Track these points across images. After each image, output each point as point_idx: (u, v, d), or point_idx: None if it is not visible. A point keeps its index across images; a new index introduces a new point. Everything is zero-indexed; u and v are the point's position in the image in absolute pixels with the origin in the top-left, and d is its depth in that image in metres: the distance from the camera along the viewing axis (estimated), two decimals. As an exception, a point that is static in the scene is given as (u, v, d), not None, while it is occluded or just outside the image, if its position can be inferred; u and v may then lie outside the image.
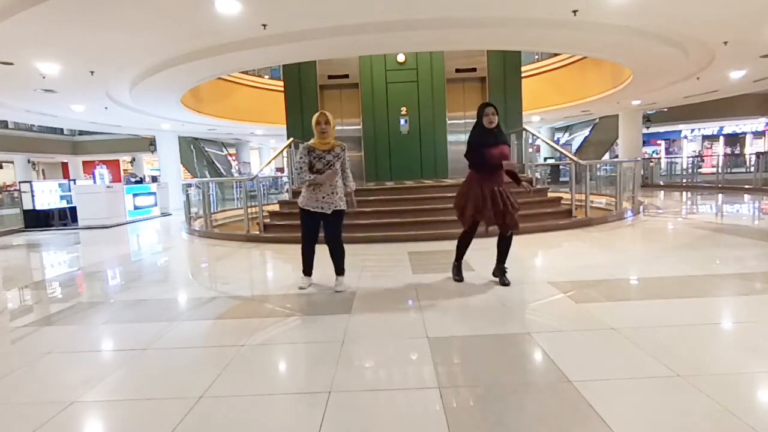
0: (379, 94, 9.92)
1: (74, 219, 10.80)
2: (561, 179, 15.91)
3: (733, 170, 17.94)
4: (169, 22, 5.84)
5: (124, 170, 25.51)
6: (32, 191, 10.58)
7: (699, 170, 17.81)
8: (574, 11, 5.91)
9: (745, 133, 24.76)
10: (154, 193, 12.77)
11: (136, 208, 11.77)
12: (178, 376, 2.39)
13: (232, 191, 12.39)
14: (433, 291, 3.78)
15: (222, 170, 23.36)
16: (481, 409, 1.92)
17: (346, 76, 9.93)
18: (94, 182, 12.25)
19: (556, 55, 13.40)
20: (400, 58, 9.79)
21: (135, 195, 11.82)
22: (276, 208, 8.05)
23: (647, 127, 19.59)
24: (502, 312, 3.19)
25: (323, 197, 3.74)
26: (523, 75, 10.42)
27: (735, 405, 1.82)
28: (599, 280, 3.99)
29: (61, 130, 22.67)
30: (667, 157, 23.48)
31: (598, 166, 12.30)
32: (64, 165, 26.00)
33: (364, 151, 10.06)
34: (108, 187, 11.22)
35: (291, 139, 8.84)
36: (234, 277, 4.99)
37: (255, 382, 2.28)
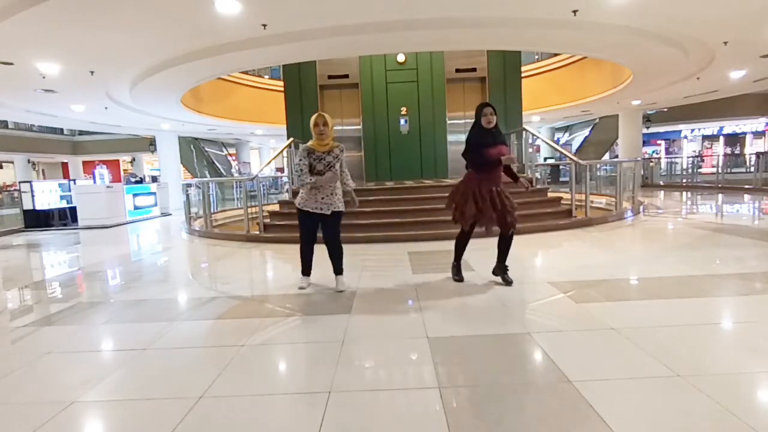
0: (379, 94, 9.92)
1: (74, 219, 10.80)
2: (561, 179, 15.90)
3: (733, 170, 17.94)
4: (169, 22, 5.84)
5: (124, 170, 25.51)
6: (32, 191, 10.58)
7: (699, 170, 17.81)
8: (574, 11, 5.91)
9: (745, 133, 24.76)
10: (154, 193, 12.78)
11: (136, 208, 11.77)
12: (178, 376, 2.39)
13: (232, 191, 12.39)
14: (433, 291, 3.78)
15: (222, 170, 23.36)
16: (481, 409, 1.92)
17: (346, 76, 9.93)
18: (94, 182, 12.25)
19: (556, 55, 13.40)
20: (400, 58, 9.79)
21: (135, 195, 11.82)
22: (276, 208, 8.06)
23: (647, 127, 19.59)
24: (502, 312, 3.19)
25: (322, 198, 3.74)
26: (523, 75, 10.43)
27: (735, 405, 1.82)
28: (599, 280, 3.99)
29: (61, 130, 22.67)
30: (667, 157, 23.47)
31: (598, 166, 12.29)
32: (64, 165, 26.00)
33: (364, 151, 10.06)
34: (108, 187, 11.22)
35: (291, 139, 8.84)
36: (234, 277, 4.99)
37: (255, 382, 2.28)
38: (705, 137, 25.93)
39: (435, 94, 9.87)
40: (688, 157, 20.08)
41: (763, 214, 8.43)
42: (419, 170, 9.92)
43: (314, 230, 3.88)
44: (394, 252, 5.61)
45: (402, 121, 9.93)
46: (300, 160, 3.72)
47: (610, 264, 4.80)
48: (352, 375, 2.30)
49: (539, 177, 9.13)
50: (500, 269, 3.89)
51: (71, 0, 4.98)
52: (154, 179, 16.21)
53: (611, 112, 17.58)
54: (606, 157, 20.97)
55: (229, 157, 25.05)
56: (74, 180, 13.53)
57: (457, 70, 9.89)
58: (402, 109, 9.90)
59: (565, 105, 14.60)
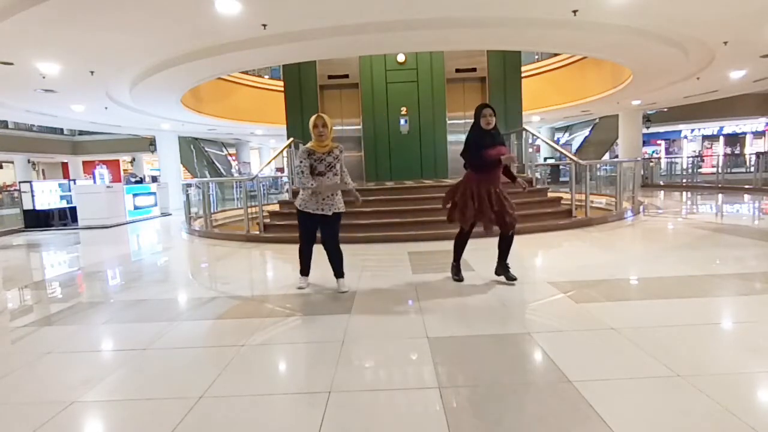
0: (379, 94, 9.91)
1: (74, 219, 10.80)
2: (561, 179, 15.91)
3: (733, 170, 17.94)
4: (169, 22, 5.84)
5: (124, 170, 25.51)
6: (32, 191, 10.58)
7: (699, 170, 17.81)
8: (574, 11, 5.91)
9: (745, 133, 24.76)
10: (154, 193, 12.78)
11: (136, 208, 11.77)
12: (178, 376, 2.39)
13: (232, 191, 12.39)
14: (433, 291, 3.78)
15: (222, 170, 23.36)
16: (481, 409, 1.92)
17: (346, 76, 9.93)
18: (94, 182, 12.25)
19: (556, 55, 13.40)
20: (400, 58, 9.78)
21: (135, 195, 11.82)
22: (276, 208, 8.06)
23: (647, 127, 19.59)
24: (502, 312, 3.19)
25: (323, 199, 3.73)
26: (523, 75, 10.42)
27: (735, 405, 1.82)
28: (599, 280, 3.99)
29: (61, 130, 22.67)
30: (667, 157, 23.47)
31: (598, 166, 12.30)
32: (64, 165, 26.00)
33: (364, 151, 10.06)
34: (108, 187, 11.22)
35: (291, 139, 8.84)
36: (234, 277, 4.99)
37: (255, 382, 2.28)
38: (705, 137, 25.93)
39: (435, 94, 9.87)
40: (688, 157, 20.08)
41: (763, 214, 8.43)
42: (419, 170, 9.92)
43: (314, 231, 3.89)
44: (394, 252, 5.61)
45: (402, 121, 9.92)
46: (301, 161, 3.72)
47: (610, 264, 4.80)
48: (352, 375, 2.30)
49: (539, 177, 9.14)
50: (502, 268, 3.91)
51: (71, 0, 4.98)
52: (154, 179, 16.22)
53: (611, 112, 17.58)
54: (606, 157, 20.97)
55: (229, 157, 25.05)
56: (74, 180, 13.53)
57: (457, 70, 9.88)
58: (402, 109, 9.90)
59: (565, 105, 14.60)
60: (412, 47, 8.35)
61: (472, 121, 3.82)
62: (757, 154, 13.65)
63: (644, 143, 20.11)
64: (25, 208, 10.64)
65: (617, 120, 17.44)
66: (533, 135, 9.15)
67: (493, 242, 3.95)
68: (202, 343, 2.94)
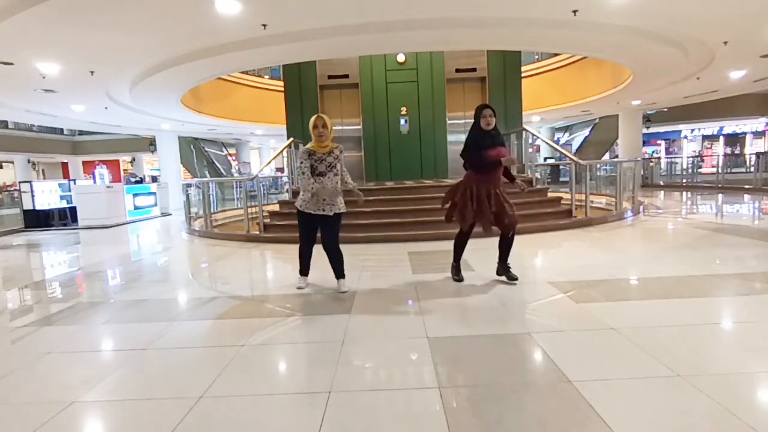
0: (379, 94, 9.91)
1: (74, 219, 10.80)
2: (561, 179, 15.90)
3: (733, 170, 17.94)
4: (169, 22, 5.84)
5: (124, 170, 25.51)
6: (32, 191, 10.58)
7: (699, 170, 17.81)
8: (574, 11, 5.91)
9: (745, 133, 24.76)
10: (154, 193, 12.77)
11: (136, 208, 11.77)
12: (178, 376, 2.39)
13: (232, 191, 12.39)
14: (433, 291, 3.78)
15: (222, 170, 23.36)
16: (481, 409, 1.92)
17: (346, 76, 9.93)
18: (94, 182, 12.25)
19: (556, 55, 13.40)
20: (400, 58, 9.78)
21: (135, 195, 11.83)
22: (276, 208, 8.06)
23: (647, 127, 19.59)
24: (502, 312, 3.19)
25: (323, 200, 3.73)
26: (523, 75, 10.42)
27: (735, 405, 1.82)
28: (599, 280, 3.99)
29: (61, 130, 22.67)
30: (667, 157, 23.47)
31: (598, 166, 12.30)
32: (64, 165, 26.00)
33: (364, 151, 10.06)
34: (108, 187, 11.22)
35: (291, 139, 8.84)
36: (234, 277, 4.99)
37: (255, 382, 2.28)
38: (705, 137, 25.93)
39: (435, 94, 9.87)
40: (688, 157, 20.08)
41: (763, 214, 8.43)
42: (419, 170, 9.92)
43: (314, 231, 3.88)
44: (394, 252, 5.61)
45: (402, 121, 9.92)
46: (301, 162, 3.72)
47: (610, 264, 4.80)
48: (352, 375, 2.30)
49: (539, 177, 9.13)
50: (503, 268, 3.92)
51: (71, 0, 4.98)
52: (154, 179, 16.22)
53: (611, 112, 17.58)
54: (606, 157, 20.97)
55: (229, 157, 25.05)
56: (74, 180, 13.53)
57: (457, 70, 9.88)
58: (402, 109, 9.89)
59: (565, 105, 14.60)
60: (412, 47, 8.35)
61: (472, 121, 3.82)
62: (757, 154, 13.65)
63: (644, 143, 20.12)
64: (25, 208, 10.64)
65: (617, 120, 17.44)
66: (533, 135, 9.15)
67: (493, 242, 3.95)
68: (202, 343, 2.94)
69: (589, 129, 23.19)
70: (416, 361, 2.44)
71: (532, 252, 5.54)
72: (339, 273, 3.89)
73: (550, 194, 8.17)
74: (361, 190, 3.97)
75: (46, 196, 10.81)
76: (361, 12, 5.82)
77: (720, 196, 12.08)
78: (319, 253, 3.97)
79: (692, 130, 25.52)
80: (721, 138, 25.38)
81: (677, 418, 1.78)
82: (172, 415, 1.95)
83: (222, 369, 2.40)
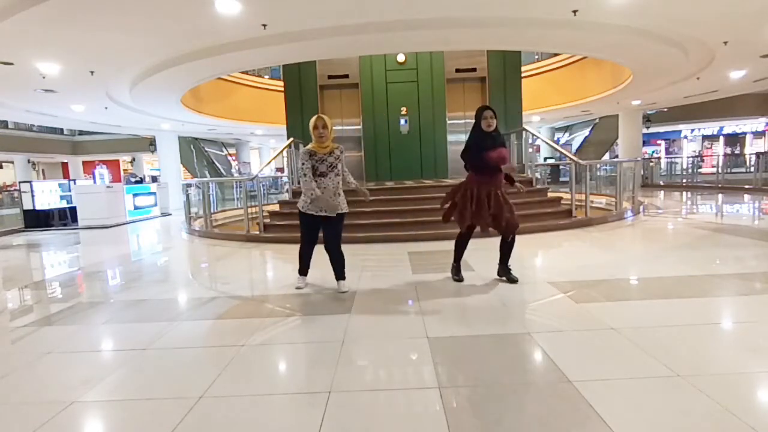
0: (379, 94, 9.91)
1: (74, 219, 10.80)
2: (561, 179, 15.90)
3: (733, 170, 17.94)
4: (170, 22, 5.84)
5: (124, 170, 25.51)
6: (32, 191, 10.58)
7: (699, 170, 17.81)
8: (574, 11, 5.91)
9: (745, 133, 24.76)
10: (154, 193, 12.77)
11: (136, 208, 11.77)
12: (178, 376, 2.39)
13: (232, 191, 12.39)
14: (434, 291, 3.78)
15: (222, 170, 23.36)
16: (481, 409, 1.92)
17: (346, 76, 9.92)
18: (94, 182, 12.25)
19: (556, 55, 13.39)
20: (400, 58, 9.78)
21: (135, 195, 11.82)
22: (276, 208, 8.05)
23: (647, 127, 19.59)
24: (502, 312, 3.19)
25: (326, 200, 3.72)
26: (523, 75, 10.41)
27: (735, 405, 1.82)
28: (599, 280, 3.99)
29: (61, 130, 22.67)
30: (667, 157, 23.47)
31: (598, 166, 12.29)
32: (64, 165, 26.00)
33: (364, 151, 10.06)
34: (108, 187, 11.22)
35: (291, 139, 8.84)
36: (234, 277, 4.99)
37: (255, 382, 2.28)
38: (705, 137, 25.93)
39: (435, 94, 9.86)
40: (688, 157, 20.08)
41: (763, 214, 8.43)
42: (419, 170, 9.92)
43: (316, 232, 3.88)
44: (394, 252, 5.61)
45: (402, 121, 9.92)
46: (303, 163, 3.71)
47: (610, 264, 4.80)
48: (352, 375, 2.30)
49: (539, 177, 9.13)
50: (503, 270, 3.93)
51: (71, 0, 4.98)
52: (154, 179, 16.22)
53: (611, 112, 17.58)
54: (606, 157, 20.97)
55: (229, 157, 25.05)
56: (74, 180, 13.53)
57: (457, 70, 9.88)
58: (402, 109, 9.89)
59: (565, 105, 14.59)
60: (412, 47, 8.34)
61: (472, 121, 3.83)
62: (757, 154, 13.65)
63: (644, 143, 20.11)
64: (25, 208, 10.64)
65: (617, 120, 17.44)
66: (533, 135, 9.14)
67: (494, 242, 3.95)
68: (202, 343, 2.94)
69: (589, 129, 23.18)
70: (416, 361, 2.44)
71: (532, 252, 5.54)
72: (339, 274, 3.89)
73: (550, 194, 8.17)
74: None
75: (46, 196, 10.81)
76: (361, 12, 5.81)
77: (720, 196, 12.08)
78: (319, 253, 3.97)
79: (692, 130, 25.52)
80: (721, 138, 25.38)
81: (677, 418, 1.78)
82: (172, 415, 1.95)
83: (222, 369, 2.40)
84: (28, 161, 23.57)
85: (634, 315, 2.99)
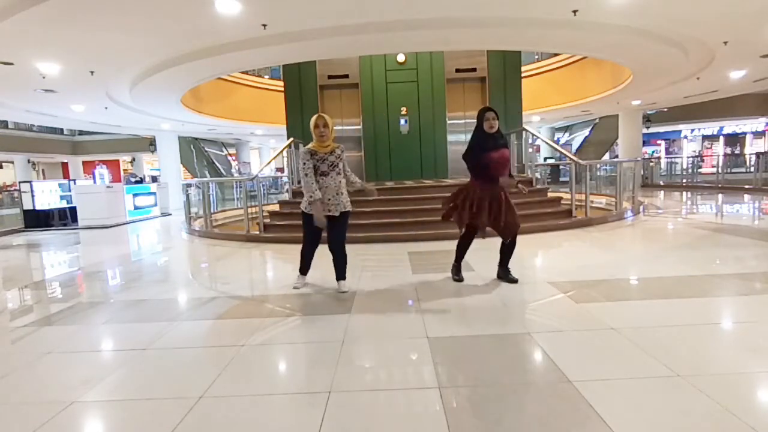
0: (379, 94, 9.91)
1: (74, 219, 10.80)
2: (561, 179, 15.91)
3: (733, 170, 17.94)
4: (170, 22, 5.84)
5: (124, 170, 25.51)
6: (32, 191, 10.58)
7: (699, 170, 17.82)
8: (574, 11, 5.92)
9: (745, 133, 24.76)
10: (154, 193, 12.78)
11: (136, 208, 11.77)
12: (178, 376, 2.39)
13: (232, 191, 12.40)
14: (434, 291, 3.78)
15: (222, 170, 23.36)
16: (481, 409, 1.92)
17: (346, 76, 9.92)
18: (94, 182, 12.25)
19: (556, 55, 13.40)
20: (400, 58, 9.78)
21: (135, 195, 11.83)
22: (276, 208, 8.05)
23: (647, 127, 19.59)
24: (502, 312, 3.19)
25: (329, 199, 3.72)
26: (523, 75, 10.41)
27: (735, 405, 1.82)
28: (599, 280, 3.99)
29: (61, 130, 22.67)
30: (667, 157, 23.48)
31: (598, 166, 12.30)
32: (64, 165, 26.00)
33: (364, 151, 10.06)
34: (108, 187, 11.22)
35: (291, 139, 8.84)
36: (234, 277, 4.99)
37: (255, 382, 2.28)
38: (705, 137, 25.93)
39: (435, 94, 9.86)
40: (688, 157, 20.09)
41: (763, 214, 8.43)
42: (419, 170, 9.92)
43: (319, 233, 3.86)
44: (394, 252, 5.61)
45: (402, 121, 9.92)
46: (304, 163, 3.70)
47: (610, 264, 4.80)
48: (352, 375, 2.30)
49: (539, 177, 9.13)
50: (503, 272, 3.94)
51: (71, 0, 4.98)
52: (154, 179, 16.22)
53: (611, 112, 17.58)
54: (606, 157, 20.97)
55: (229, 157, 25.06)
56: (74, 180, 13.54)
57: (457, 70, 9.88)
58: (402, 109, 9.89)
59: (565, 105, 14.60)
60: (412, 47, 8.34)
61: (473, 121, 3.83)
62: (757, 154, 13.65)
63: (644, 143, 20.12)
64: (25, 208, 10.64)
65: (617, 120, 17.44)
66: (533, 135, 9.15)
67: (495, 242, 3.95)
68: (202, 343, 2.94)
69: (589, 129, 23.19)
70: (416, 361, 2.44)
71: (532, 252, 5.53)
72: (341, 275, 3.88)
73: (550, 194, 8.17)
74: (361, 191, 3.97)
75: (46, 196, 10.81)
76: (361, 12, 5.82)
77: (720, 196, 12.08)
78: (320, 253, 3.97)
79: (692, 130, 25.53)
80: (721, 138, 25.38)
81: (677, 418, 1.78)
82: (172, 415, 1.95)
83: (222, 369, 2.40)
84: (28, 161, 23.58)
85: (634, 315, 2.99)
